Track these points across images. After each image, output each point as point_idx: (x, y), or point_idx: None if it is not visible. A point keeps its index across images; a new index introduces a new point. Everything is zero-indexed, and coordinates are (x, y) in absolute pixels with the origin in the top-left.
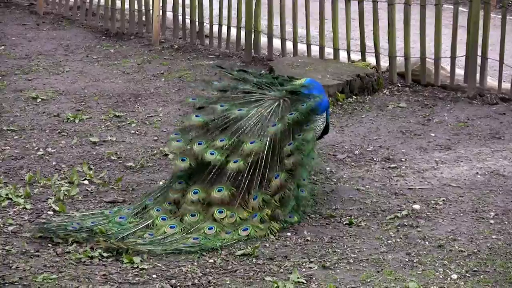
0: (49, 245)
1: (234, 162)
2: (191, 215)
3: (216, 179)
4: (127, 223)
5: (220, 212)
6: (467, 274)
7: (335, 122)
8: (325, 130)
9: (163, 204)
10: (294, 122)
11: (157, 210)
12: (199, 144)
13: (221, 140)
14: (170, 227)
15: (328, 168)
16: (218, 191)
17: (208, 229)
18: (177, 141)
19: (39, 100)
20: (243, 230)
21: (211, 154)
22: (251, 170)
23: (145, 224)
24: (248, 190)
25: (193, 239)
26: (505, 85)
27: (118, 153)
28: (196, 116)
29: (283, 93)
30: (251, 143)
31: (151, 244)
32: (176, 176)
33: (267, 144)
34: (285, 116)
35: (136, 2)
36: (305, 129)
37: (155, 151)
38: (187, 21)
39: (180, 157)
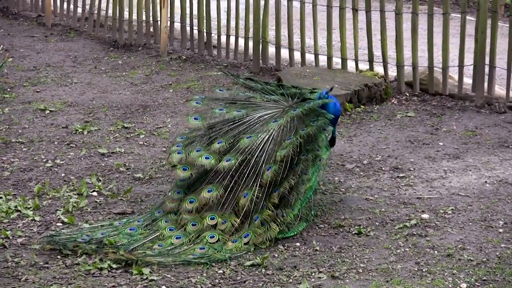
0: (58, 257)
1: (227, 161)
2: (192, 224)
3: (211, 183)
4: (137, 234)
5: (212, 218)
6: (476, 283)
7: (343, 132)
8: (331, 143)
9: (170, 215)
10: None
11: (165, 221)
12: (197, 151)
13: (218, 143)
14: (176, 238)
15: (336, 178)
16: (208, 191)
17: (210, 237)
18: (178, 153)
19: (47, 111)
20: (244, 237)
21: (206, 158)
22: (245, 168)
23: (155, 235)
24: (241, 190)
25: (200, 249)
26: None
27: (127, 164)
28: (195, 118)
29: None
30: (247, 138)
31: (160, 255)
32: (175, 185)
33: (265, 138)
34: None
35: (144, 13)
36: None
37: (164, 162)
38: (195, 31)
39: (182, 166)
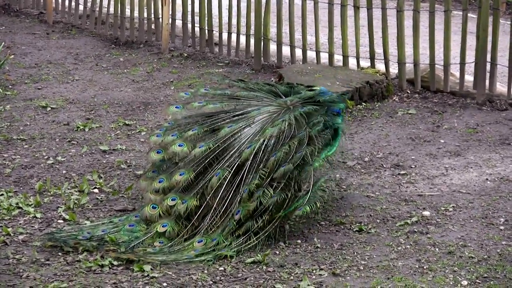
0: (59, 253)
1: (200, 147)
2: (152, 207)
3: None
4: (137, 230)
5: (173, 199)
6: (477, 281)
7: (345, 129)
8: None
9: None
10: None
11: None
12: (172, 135)
13: (192, 130)
14: (163, 226)
15: (337, 175)
16: (180, 174)
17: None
18: (156, 136)
19: (49, 109)
20: (236, 214)
21: (179, 146)
22: (223, 154)
23: (154, 231)
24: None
25: (198, 242)
26: None
27: (128, 161)
28: (176, 107)
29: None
30: (228, 127)
31: (161, 252)
32: (152, 166)
33: (247, 128)
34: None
35: (145, 10)
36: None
37: None
38: (197, 29)
39: (156, 149)
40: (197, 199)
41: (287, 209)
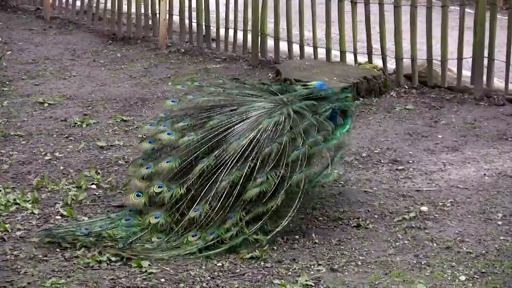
0: (57, 250)
1: (188, 136)
2: (136, 195)
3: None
4: (135, 224)
5: (160, 187)
6: (475, 276)
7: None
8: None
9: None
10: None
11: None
12: (164, 126)
13: (183, 122)
14: (155, 217)
15: (335, 171)
16: (167, 162)
17: (195, 210)
18: (150, 125)
19: (46, 105)
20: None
21: (168, 134)
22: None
23: (147, 222)
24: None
25: (192, 236)
26: None
27: (126, 157)
28: (172, 101)
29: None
30: (220, 119)
31: (158, 248)
32: (144, 153)
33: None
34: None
35: (142, 6)
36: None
37: None
38: (194, 24)
39: (148, 139)
40: (185, 188)
41: (314, 181)
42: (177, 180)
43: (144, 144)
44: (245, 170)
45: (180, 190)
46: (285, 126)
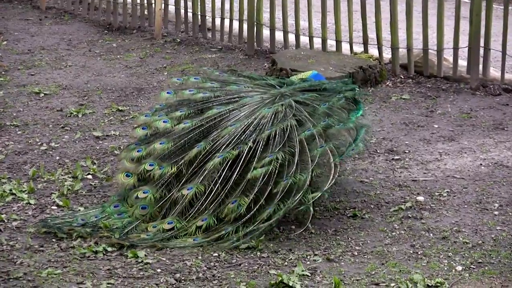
0: (53, 240)
1: (184, 123)
2: (126, 175)
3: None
4: (124, 210)
5: (151, 165)
6: (472, 266)
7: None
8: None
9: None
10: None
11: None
12: (159, 116)
13: (180, 111)
14: (144, 192)
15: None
16: (160, 143)
17: (188, 189)
18: (145, 116)
19: (42, 95)
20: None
21: (164, 122)
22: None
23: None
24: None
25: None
26: (508, 76)
27: (122, 147)
28: (168, 93)
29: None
30: (217, 109)
31: (154, 237)
32: (139, 139)
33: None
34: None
35: None
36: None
37: None
38: (189, 14)
39: (142, 126)
40: (176, 167)
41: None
42: (169, 160)
43: (138, 130)
44: (243, 149)
45: (172, 169)
46: (287, 114)
